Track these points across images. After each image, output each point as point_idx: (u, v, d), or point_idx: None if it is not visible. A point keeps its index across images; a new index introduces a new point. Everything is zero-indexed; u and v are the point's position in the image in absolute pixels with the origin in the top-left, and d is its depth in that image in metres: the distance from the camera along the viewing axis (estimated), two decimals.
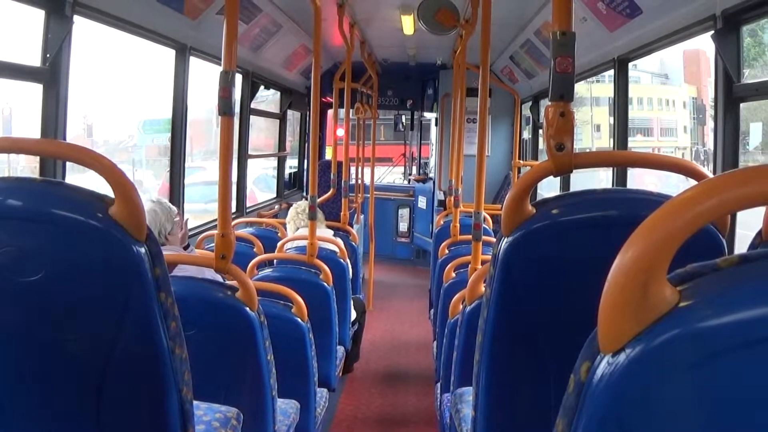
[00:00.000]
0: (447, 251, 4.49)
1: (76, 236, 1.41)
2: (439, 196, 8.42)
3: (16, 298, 1.43)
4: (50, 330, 1.45)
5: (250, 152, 6.25)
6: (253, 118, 6.40)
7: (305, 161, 8.70)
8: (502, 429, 1.56)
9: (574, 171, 1.53)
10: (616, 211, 1.46)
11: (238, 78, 5.75)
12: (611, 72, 4.47)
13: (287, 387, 2.76)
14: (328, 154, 9.71)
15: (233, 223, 2.91)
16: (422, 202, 9.42)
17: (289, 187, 8.26)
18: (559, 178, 2.21)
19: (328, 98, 8.41)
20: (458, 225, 4.54)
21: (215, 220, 2.30)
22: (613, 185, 4.35)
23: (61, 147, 1.88)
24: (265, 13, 5.25)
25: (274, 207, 7.20)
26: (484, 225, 3.37)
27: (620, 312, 0.64)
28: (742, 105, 2.96)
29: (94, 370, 1.45)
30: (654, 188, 1.60)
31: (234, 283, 2.29)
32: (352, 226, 5.87)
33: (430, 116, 9.89)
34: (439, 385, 3.37)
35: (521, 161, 7.48)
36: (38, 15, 2.92)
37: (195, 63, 4.49)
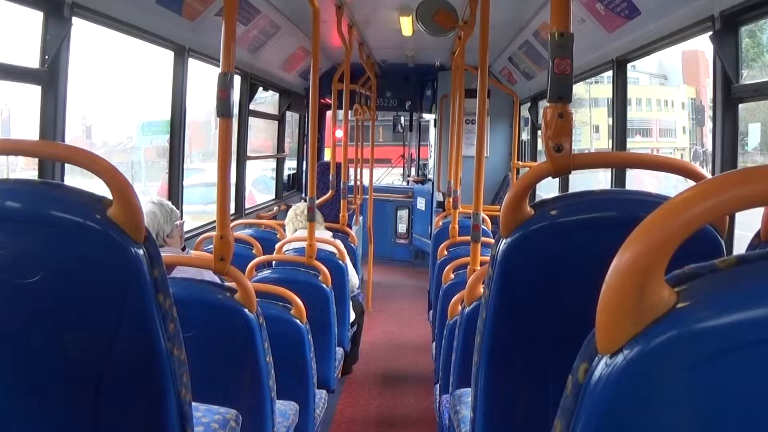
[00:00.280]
0: (446, 252, 4.50)
1: (75, 238, 1.40)
2: (438, 197, 8.43)
3: (14, 299, 1.43)
4: (48, 331, 1.45)
5: (248, 154, 6.25)
6: (251, 120, 6.40)
7: (304, 163, 8.70)
8: (500, 430, 1.56)
9: (572, 172, 1.53)
10: (614, 212, 1.46)
11: (237, 79, 5.75)
12: (610, 73, 4.47)
13: (286, 388, 2.76)
14: (327, 156, 9.70)
15: (232, 224, 2.91)
16: (421, 204, 9.42)
17: (287, 188, 8.26)
18: (557, 179, 2.20)
19: (327, 100, 8.41)
20: (457, 226, 4.54)
21: (214, 221, 2.30)
22: (611, 186, 4.35)
23: (59, 149, 1.88)
24: (263, 15, 5.25)
25: (273, 208, 7.20)
26: (482, 226, 3.37)
27: (618, 313, 0.64)
28: (740, 106, 2.96)
29: (93, 371, 1.45)
30: (653, 189, 1.60)
31: (233, 284, 2.29)
32: (350, 228, 5.88)
33: (429, 117, 9.88)
34: (438, 386, 3.38)
35: (520, 162, 7.49)
36: (37, 16, 2.92)
37: (193, 64, 4.49)
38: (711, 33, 2.96)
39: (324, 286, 3.58)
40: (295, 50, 6.81)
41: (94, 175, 1.44)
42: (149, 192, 10.24)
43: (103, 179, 1.43)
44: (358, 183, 7.75)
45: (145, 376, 1.48)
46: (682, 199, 0.64)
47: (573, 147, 1.52)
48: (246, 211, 6.22)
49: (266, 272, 3.65)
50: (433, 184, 8.99)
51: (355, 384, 5.10)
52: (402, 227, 9.81)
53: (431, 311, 5.21)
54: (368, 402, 4.78)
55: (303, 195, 8.19)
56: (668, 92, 20.16)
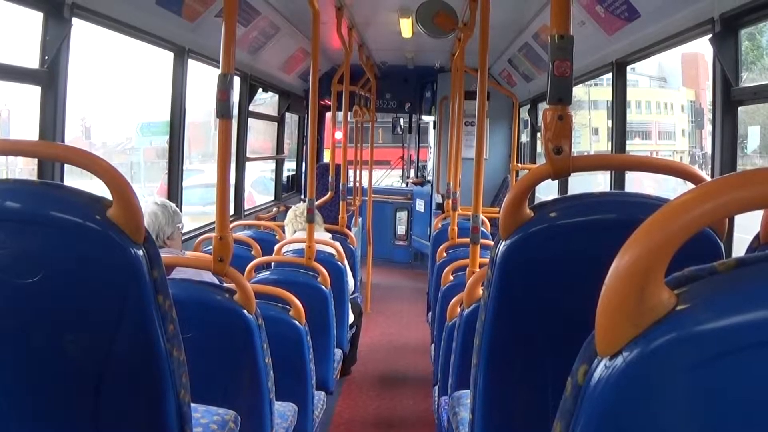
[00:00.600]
0: (445, 254, 4.50)
1: (74, 238, 1.40)
2: (437, 199, 8.43)
3: (14, 299, 1.43)
4: (48, 332, 1.45)
5: (248, 155, 6.25)
6: (251, 121, 6.40)
7: (303, 164, 8.70)
8: None
9: (572, 174, 1.53)
10: (613, 215, 1.46)
11: (237, 81, 5.75)
12: (609, 75, 4.48)
13: (285, 390, 2.76)
14: (327, 157, 9.70)
15: (231, 225, 2.91)
16: (420, 205, 9.42)
17: (287, 189, 8.26)
18: (557, 181, 2.20)
19: (327, 101, 8.41)
20: (456, 228, 4.54)
21: (213, 222, 2.30)
22: (611, 188, 4.35)
23: (59, 149, 1.88)
24: (263, 16, 5.25)
25: (272, 210, 7.20)
26: (482, 228, 3.37)
27: (617, 315, 0.64)
28: (740, 108, 2.96)
29: (92, 371, 1.45)
30: (652, 191, 1.60)
31: (232, 285, 2.28)
32: (350, 229, 5.87)
33: (429, 119, 9.88)
34: (436, 388, 3.37)
35: (519, 164, 7.49)
36: (37, 17, 2.92)
37: (193, 66, 4.49)
38: (711, 35, 2.97)
39: (323, 287, 3.58)
40: (294, 51, 6.82)
41: (94, 176, 1.44)
42: (152, 192, 10.24)
43: (103, 180, 1.43)
44: (358, 185, 7.75)
45: (145, 377, 1.48)
46: (681, 202, 0.64)
47: (572, 149, 1.52)
48: (245, 213, 6.22)
49: (265, 273, 3.65)
50: (432, 185, 8.99)
51: (353, 385, 5.10)
52: (401, 229, 9.81)
53: (430, 313, 5.21)
54: (367, 403, 4.77)
55: (302, 196, 8.18)
56: (668, 95, 20.21)
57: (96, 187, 1.51)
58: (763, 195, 0.62)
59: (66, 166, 2.96)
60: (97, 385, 1.45)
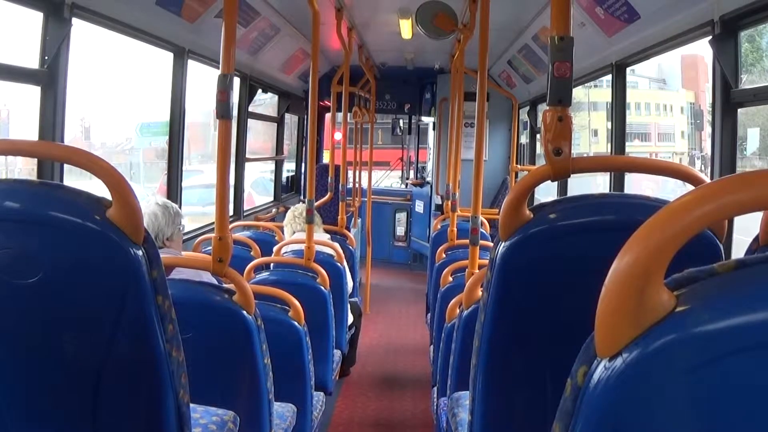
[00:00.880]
0: (444, 255, 4.50)
1: (74, 238, 1.40)
2: (437, 200, 8.43)
3: (13, 299, 1.43)
4: (47, 332, 1.45)
5: (247, 156, 6.25)
6: (250, 122, 6.40)
7: (303, 165, 8.69)
8: None
9: (571, 176, 1.53)
10: (613, 216, 1.46)
11: (236, 81, 5.75)
12: (609, 77, 4.48)
13: (284, 390, 2.76)
14: (326, 158, 9.71)
15: (230, 226, 2.91)
16: (419, 207, 9.42)
17: (286, 190, 8.26)
18: (556, 182, 2.20)
19: (326, 102, 8.41)
20: (455, 229, 4.54)
21: (212, 223, 2.30)
22: (610, 190, 4.36)
23: (58, 149, 1.88)
24: (263, 17, 5.25)
25: (272, 210, 7.20)
26: (481, 229, 3.37)
27: (617, 316, 0.64)
28: (739, 110, 2.96)
29: (91, 372, 1.45)
30: (651, 193, 1.60)
31: (231, 286, 2.28)
32: (349, 230, 5.87)
33: (428, 120, 9.88)
34: (435, 389, 3.37)
35: (519, 166, 7.49)
36: (37, 17, 2.92)
37: (193, 66, 4.49)
38: (710, 37, 2.97)
39: (322, 288, 3.58)
40: (294, 52, 6.81)
41: (93, 176, 1.44)
42: (152, 193, 10.24)
43: (103, 180, 1.43)
44: (357, 185, 7.75)
45: (144, 377, 1.48)
46: (681, 203, 0.64)
47: (572, 151, 1.53)
48: (245, 213, 6.22)
49: (264, 274, 3.65)
50: (431, 187, 8.99)
51: (352, 386, 5.10)
52: (400, 230, 9.81)
53: (429, 314, 5.21)
54: (366, 404, 4.77)
55: (301, 197, 8.18)
56: (667, 96, 20.22)
57: (96, 187, 1.51)
58: (762, 197, 0.62)
59: (66, 166, 2.96)
60: (96, 384, 1.45)
